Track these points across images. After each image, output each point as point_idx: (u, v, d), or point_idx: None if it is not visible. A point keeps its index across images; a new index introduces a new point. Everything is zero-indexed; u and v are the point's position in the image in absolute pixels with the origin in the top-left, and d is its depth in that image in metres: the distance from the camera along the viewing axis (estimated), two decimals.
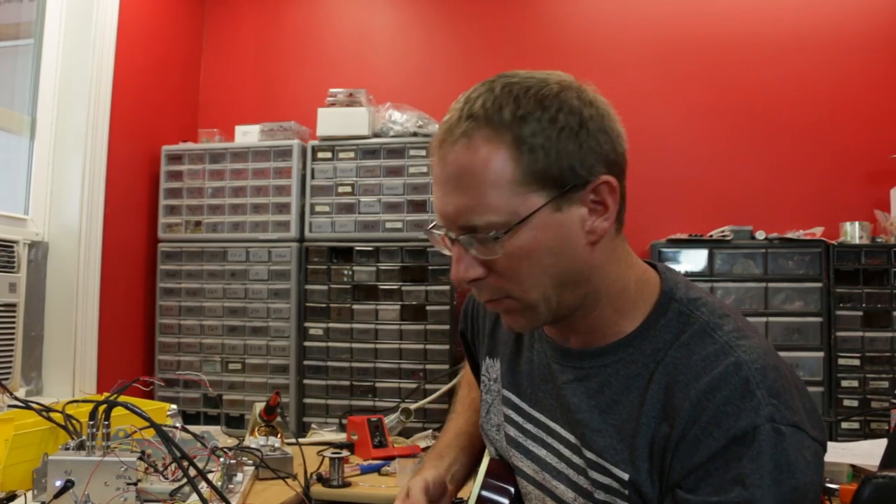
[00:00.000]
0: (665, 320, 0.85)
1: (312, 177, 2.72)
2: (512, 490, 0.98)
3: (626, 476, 0.82)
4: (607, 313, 0.86)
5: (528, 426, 0.96)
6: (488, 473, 1.00)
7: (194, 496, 1.33)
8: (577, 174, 0.78)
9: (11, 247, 2.27)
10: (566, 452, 0.90)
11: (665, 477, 0.80)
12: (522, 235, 0.78)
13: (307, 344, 2.68)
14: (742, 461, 0.73)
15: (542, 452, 0.93)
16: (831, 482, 1.57)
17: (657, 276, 0.90)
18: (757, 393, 0.75)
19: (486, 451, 1.08)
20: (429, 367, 2.57)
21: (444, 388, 2.43)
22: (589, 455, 0.86)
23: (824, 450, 0.79)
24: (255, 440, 1.89)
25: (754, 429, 0.73)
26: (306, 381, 2.67)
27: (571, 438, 0.89)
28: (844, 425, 2.33)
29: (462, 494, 1.14)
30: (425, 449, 2.15)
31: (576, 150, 0.78)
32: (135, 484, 1.25)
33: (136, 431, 1.40)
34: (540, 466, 0.94)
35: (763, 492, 0.72)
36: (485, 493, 0.98)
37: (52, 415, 1.49)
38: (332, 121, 2.72)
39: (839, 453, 1.74)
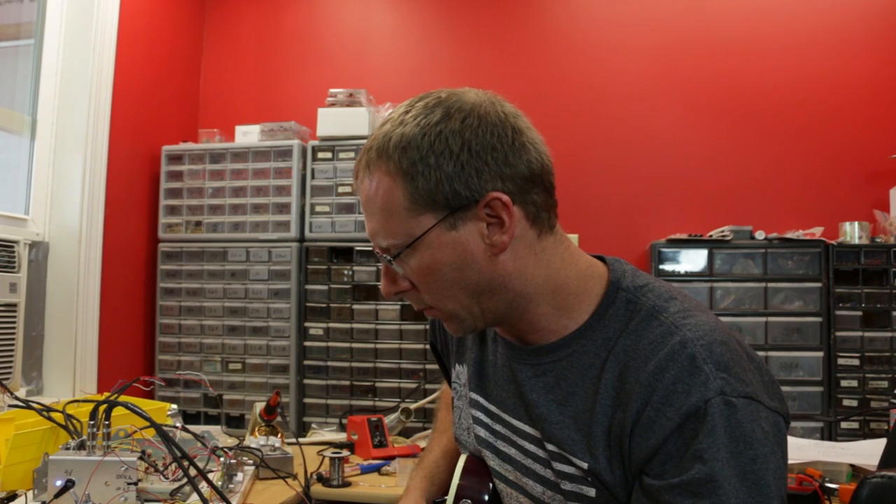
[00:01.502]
0: (613, 310, 0.87)
1: (312, 177, 2.72)
2: (490, 484, 0.99)
3: (584, 465, 0.84)
4: (545, 311, 0.88)
5: (497, 426, 0.98)
6: (466, 471, 1.01)
7: (194, 496, 1.34)
8: (461, 195, 0.82)
9: (12, 247, 2.27)
10: (531, 448, 0.92)
11: (627, 462, 0.81)
12: (421, 254, 0.84)
13: (307, 344, 2.68)
14: (698, 437, 0.74)
15: (511, 451, 0.95)
16: (831, 482, 1.57)
17: (605, 268, 0.92)
18: (704, 368, 0.76)
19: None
20: (429, 367, 2.57)
21: (442, 387, 2.43)
22: (550, 447, 0.88)
23: (787, 421, 0.80)
24: (255, 440, 1.89)
25: (705, 402, 0.74)
26: (306, 381, 2.68)
27: (535, 433, 0.91)
28: (844, 425, 2.33)
29: None
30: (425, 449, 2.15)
31: (457, 172, 0.81)
32: (135, 483, 1.25)
33: (136, 431, 1.40)
34: (511, 465, 0.95)
35: (722, 465, 0.72)
36: (464, 490, 0.98)
37: (53, 414, 1.49)
38: (332, 121, 2.73)
39: (839, 453, 1.74)
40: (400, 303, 2.60)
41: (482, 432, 1.00)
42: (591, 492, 0.84)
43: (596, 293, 0.89)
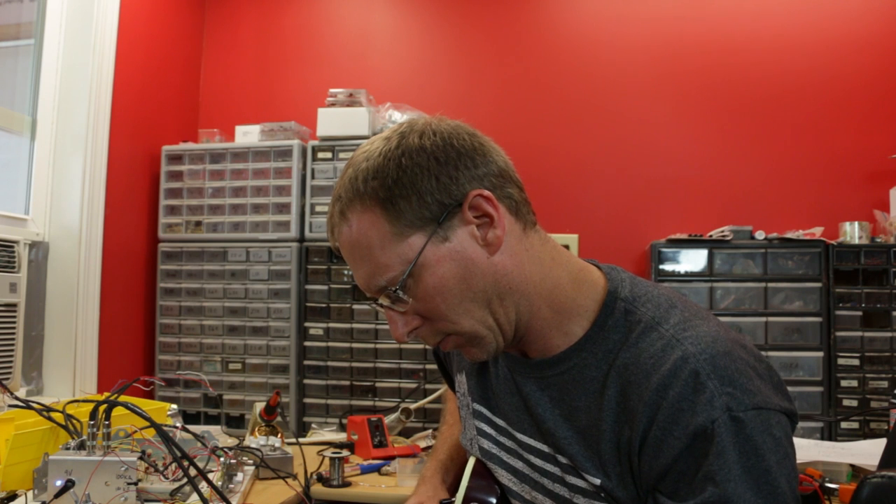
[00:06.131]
0: (613, 321, 0.85)
1: (312, 177, 2.72)
2: (498, 489, 0.99)
3: (597, 481, 0.83)
4: (546, 315, 0.87)
5: (502, 439, 0.97)
6: (474, 473, 1.01)
7: (194, 496, 1.34)
8: (444, 203, 0.82)
9: (12, 247, 2.27)
10: (538, 462, 0.91)
11: (638, 479, 0.80)
12: (424, 277, 0.82)
13: (307, 344, 2.68)
14: (708, 458, 0.73)
15: (518, 464, 0.95)
16: (831, 482, 1.57)
17: (600, 275, 0.91)
18: (709, 384, 0.75)
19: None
20: (429, 367, 2.57)
21: (444, 387, 2.43)
22: (563, 460, 0.87)
23: (795, 417, 0.79)
24: (255, 440, 1.89)
25: (712, 423, 0.73)
26: (306, 381, 2.68)
27: (544, 448, 0.90)
28: (844, 425, 2.33)
29: None
30: (425, 449, 2.15)
31: (433, 183, 0.82)
32: (135, 484, 1.25)
33: (136, 431, 1.40)
34: (518, 478, 0.95)
35: (735, 484, 0.72)
36: (472, 493, 0.98)
37: (53, 414, 1.49)
38: (332, 121, 2.73)
39: (839, 453, 1.74)
40: None
41: (486, 444, 0.99)
42: None
43: (594, 300, 0.87)
